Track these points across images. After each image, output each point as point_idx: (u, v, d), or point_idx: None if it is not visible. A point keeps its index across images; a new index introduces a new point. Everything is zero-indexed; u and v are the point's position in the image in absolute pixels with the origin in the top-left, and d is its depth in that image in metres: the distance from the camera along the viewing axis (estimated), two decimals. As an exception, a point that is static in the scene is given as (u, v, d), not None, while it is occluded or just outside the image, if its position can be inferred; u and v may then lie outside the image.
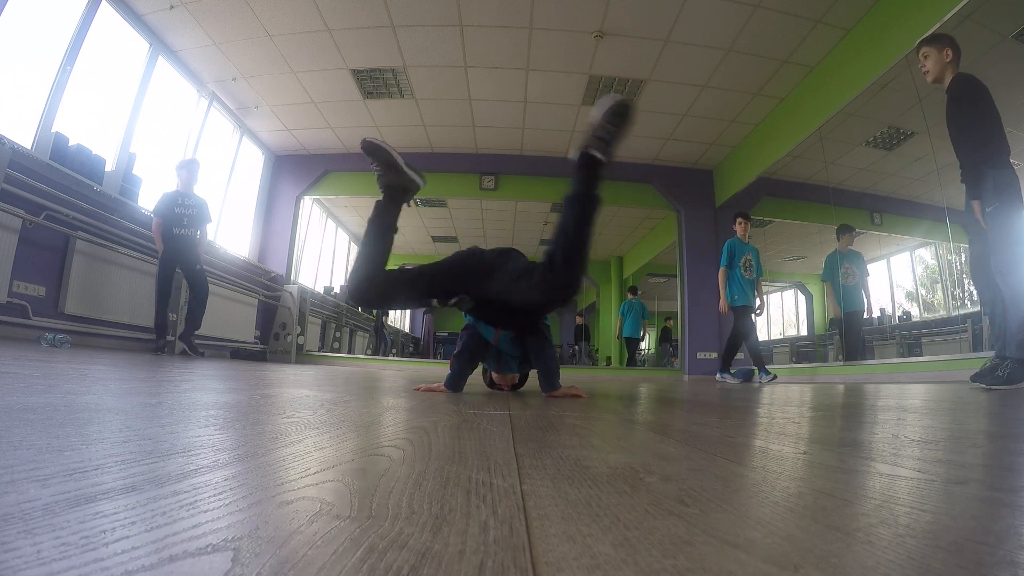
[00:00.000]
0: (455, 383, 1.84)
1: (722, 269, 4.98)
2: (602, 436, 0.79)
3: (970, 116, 2.53)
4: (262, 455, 0.51)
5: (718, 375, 5.09)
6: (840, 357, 6.58)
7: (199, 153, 5.75)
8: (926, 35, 2.91)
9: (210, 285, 5.37)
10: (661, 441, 0.74)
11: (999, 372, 2.44)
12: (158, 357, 3.57)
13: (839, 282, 5.22)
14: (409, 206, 1.86)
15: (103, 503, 0.31)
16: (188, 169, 4.52)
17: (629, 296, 9.59)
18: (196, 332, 4.49)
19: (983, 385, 2.48)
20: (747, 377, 5.26)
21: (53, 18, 4.00)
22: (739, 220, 5.08)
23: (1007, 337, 2.43)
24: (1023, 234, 2.44)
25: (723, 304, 4.97)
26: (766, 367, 4.87)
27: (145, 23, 4.80)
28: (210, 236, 4.93)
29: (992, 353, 2.62)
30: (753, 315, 5.01)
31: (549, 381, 1.81)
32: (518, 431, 0.79)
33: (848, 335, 5.24)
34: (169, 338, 4.52)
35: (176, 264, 4.34)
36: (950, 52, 2.67)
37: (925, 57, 2.74)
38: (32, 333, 3.51)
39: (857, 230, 5.54)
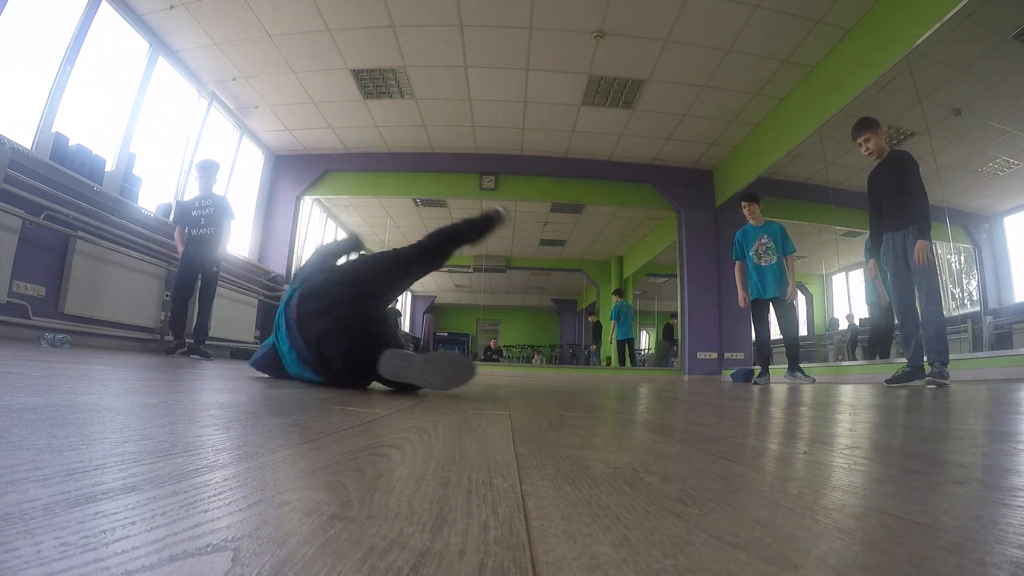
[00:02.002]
0: None
1: (735, 264, 4.57)
2: (602, 436, 0.79)
3: (918, 183, 3.17)
4: (262, 455, 0.51)
5: (787, 375, 4.40)
6: (841, 357, 6.58)
7: (199, 153, 5.74)
8: (859, 122, 3.37)
9: (210, 285, 5.39)
10: (661, 441, 0.74)
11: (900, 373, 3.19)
12: (173, 357, 3.59)
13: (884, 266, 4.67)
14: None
15: (103, 503, 0.31)
16: (203, 171, 4.51)
17: (617, 300, 9.53)
18: (207, 337, 4.46)
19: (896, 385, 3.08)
20: (746, 377, 5.24)
21: (53, 18, 4.00)
22: (743, 204, 4.58)
23: (928, 347, 3.04)
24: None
25: (740, 298, 4.52)
26: (768, 372, 4.50)
27: (145, 23, 4.80)
28: (230, 236, 4.70)
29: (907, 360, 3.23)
30: (788, 302, 4.38)
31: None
32: (518, 431, 0.79)
33: (886, 330, 4.77)
34: (167, 338, 4.52)
35: (196, 266, 4.29)
36: (882, 132, 3.32)
37: (867, 141, 3.31)
38: (32, 333, 3.51)
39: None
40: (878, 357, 4.92)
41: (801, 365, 4.36)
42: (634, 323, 9.57)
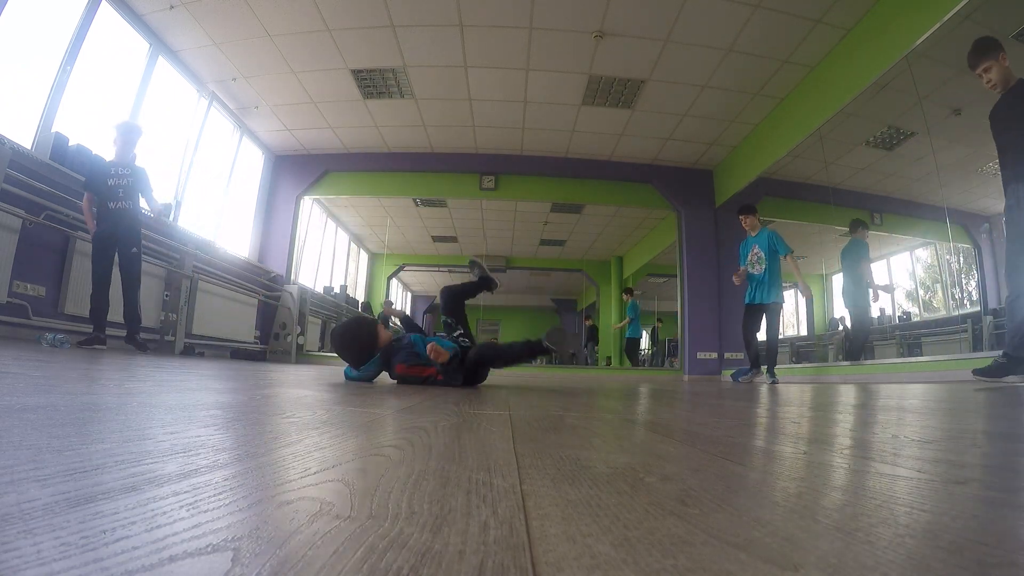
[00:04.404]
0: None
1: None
2: (602, 436, 0.79)
3: None
4: (262, 455, 0.51)
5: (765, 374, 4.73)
6: (840, 357, 6.57)
7: (199, 153, 5.74)
8: (976, 47, 2.75)
9: (209, 285, 5.38)
10: (661, 441, 0.74)
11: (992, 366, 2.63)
12: (94, 351, 3.17)
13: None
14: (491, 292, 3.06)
15: (103, 503, 0.31)
16: (123, 135, 3.87)
17: (628, 298, 9.54)
18: (140, 324, 3.98)
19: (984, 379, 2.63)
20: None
21: (53, 18, 4.00)
22: (740, 217, 4.90)
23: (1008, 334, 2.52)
24: None
25: (737, 275, 4.88)
26: (758, 368, 4.77)
27: (145, 23, 4.80)
28: (146, 207, 4.04)
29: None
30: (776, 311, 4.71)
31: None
32: (518, 431, 0.79)
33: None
34: (170, 334, 4.49)
35: (113, 244, 3.75)
36: (1004, 56, 2.67)
37: (987, 71, 2.71)
38: (32, 333, 3.51)
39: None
40: (863, 359, 5.08)
41: (803, 365, 4.60)
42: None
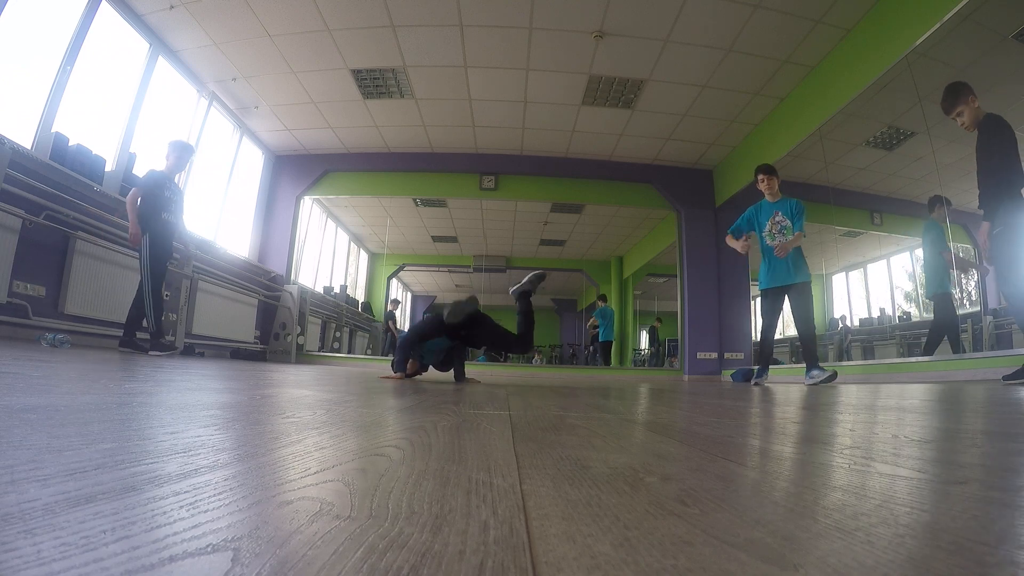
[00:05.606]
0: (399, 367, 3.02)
1: (728, 235, 4.22)
2: (602, 436, 0.79)
3: (993, 147, 2.81)
4: (262, 455, 0.51)
5: (806, 376, 3.84)
6: (843, 357, 6.54)
7: (199, 153, 5.74)
8: (945, 93, 3.03)
9: (210, 285, 5.39)
10: (661, 441, 0.74)
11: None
12: (166, 357, 3.36)
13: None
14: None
15: (103, 503, 0.31)
16: (179, 152, 4.00)
17: (601, 304, 9.80)
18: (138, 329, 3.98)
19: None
20: (746, 377, 5.22)
21: (53, 18, 4.00)
22: (759, 177, 4.01)
23: None
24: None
25: (740, 245, 4.08)
26: (766, 368, 4.12)
27: (145, 23, 4.80)
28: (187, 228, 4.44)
29: None
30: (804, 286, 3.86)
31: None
32: (518, 431, 0.79)
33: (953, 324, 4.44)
34: (168, 338, 4.48)
35: (167, 253, 3.94)
36: (974, 98, 2.93)
37: (960, 115, 2.98)
38: (32, 333, 3.51)
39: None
40: (951, 352, 4.44)
41: (803, 365, 3.90)
42: (614, 327, 10.00)
